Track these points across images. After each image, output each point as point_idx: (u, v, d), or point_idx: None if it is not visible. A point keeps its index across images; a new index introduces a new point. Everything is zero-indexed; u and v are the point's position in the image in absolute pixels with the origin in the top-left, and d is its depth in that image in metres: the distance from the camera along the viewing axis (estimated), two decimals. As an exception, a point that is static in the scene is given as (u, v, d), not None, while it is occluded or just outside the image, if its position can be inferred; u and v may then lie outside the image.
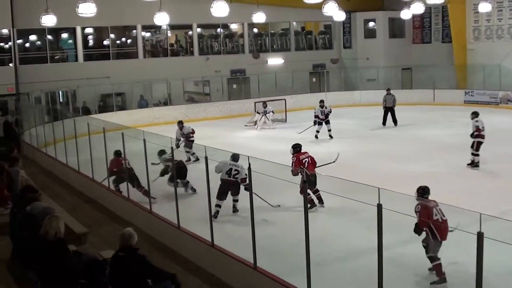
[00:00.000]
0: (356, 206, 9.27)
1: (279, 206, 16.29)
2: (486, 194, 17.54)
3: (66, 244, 9.14)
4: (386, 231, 8.61)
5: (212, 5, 24.61)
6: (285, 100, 36.18)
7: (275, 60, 44.66)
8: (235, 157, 16.39)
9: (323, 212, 15.28)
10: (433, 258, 11.61)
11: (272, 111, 33.98)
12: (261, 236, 11.74)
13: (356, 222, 14.73)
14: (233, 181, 16.24)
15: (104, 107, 37.71)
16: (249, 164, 11.16)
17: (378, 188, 8.18)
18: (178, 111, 37.00)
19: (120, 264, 9.02)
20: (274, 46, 46.21)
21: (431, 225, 11.35)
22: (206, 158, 12.71)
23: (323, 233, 13.72)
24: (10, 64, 36.12)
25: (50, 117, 29.32)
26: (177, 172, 16.69)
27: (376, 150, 25.46)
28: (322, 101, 30.29)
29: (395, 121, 32.56)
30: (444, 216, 11.32)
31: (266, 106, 33.90)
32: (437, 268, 11.57)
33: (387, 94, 33.11)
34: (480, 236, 7.17)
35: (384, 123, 32.45)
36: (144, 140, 15.34)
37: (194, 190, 18.58)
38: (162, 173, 18.16)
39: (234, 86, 42.90)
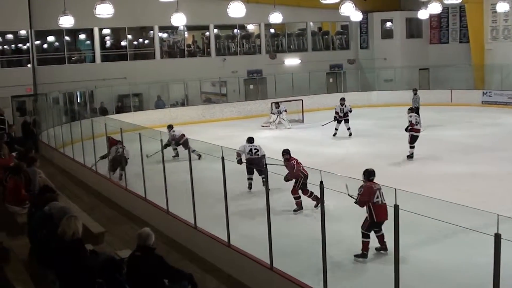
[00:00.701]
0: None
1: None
2: (504, 196, 17.40)
3: (84, 244, 9.17)
4: (403, 232, 8.60)
5: (229, 5, 24.63)
6: (302, 100, 36.13)
7: (292, 61, 44.65)
8: (251, 140, 19.78)
9: (339, 213, 15.26)
10: (363, 235, 12.83)
11: (285, 110, 33.99)
12: (277, 236, 11.75)
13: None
14: (256, 158, 18.78)
15: (122, 108, 37.82)
16: (266, 164, 11.18)
17: (395, 189, 8.18)
18: (195, 111, 37.13)
19: (137, 264, 9.06)
20: (291, 47, 46.20)
21: (370, 205, 12.57)
22: (222, 158, 12.73)
23: (339, 233, 13.72)
24: (28, 65, 36.30)
25: (67, 117, 29.47)
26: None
27: (393, 151, 25.34)
28: (342, 99, 30.37)
29: None
30: (384, 200, 12.44)
31: (279, 106, 33.92)
32: (363, 244, 12.80)
33: (415, 94, 33.29)
34: (497, 238, 7.14)
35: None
36: (161, 141, 15.42)
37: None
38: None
39: (251, 86, 42.88)
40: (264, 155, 18.85)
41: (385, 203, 12.35)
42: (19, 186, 14.72)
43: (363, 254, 12.78)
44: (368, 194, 12.60)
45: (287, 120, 33.89)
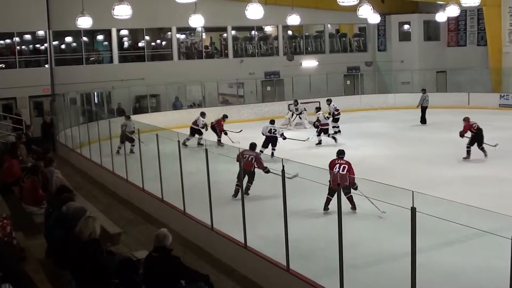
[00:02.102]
0: (390, 209, 9.23)
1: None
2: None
3: (101, 244, 9.19)
4: (420, 235, 8.58)
5: (246, 7, 24.71)
6: (319, 102, 36.05)
7: (309, 63, 44.66)
8: (272, 122, 26.83)
9: (356, 215, 15.23)
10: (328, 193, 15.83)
11: (305, 109, 34.01)
12: (293, 238, 11.74)
13: (389, 225, 14.68)
14: (272, 136, 25.87)
15: (139, 109, 37.91)
16: (283, 166, 11.16)
17: (412, 192, 8.16)
18: (212, 112, 37.12)
19: (153, 265, 9.07)
20: (309, 48, 46.22)
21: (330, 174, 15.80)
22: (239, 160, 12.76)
23: (356, 236, 13.68)
24: (46, 66, 36.51)
25: (85, 118, 29.56)
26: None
27: (411, 153, 25.32)
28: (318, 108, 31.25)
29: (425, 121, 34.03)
30: (342, 171, 16.21)
31: (298, 104, 33.93)
32: (326, 201, 16.09)
33: (424, 93, 34.24)
34: (514, 241, 7.12)
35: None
36: (178, 142, 15.42)
37: None
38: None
39: (268, 88, 42.91)
40: (282, 133, 26.64)
41: (341, 174, 16.10)
42: (36, 186, 14.80)
43: (326, 208, 16.20)
44: (331, 166, 16.63)
45: (308, 120, 33.80)
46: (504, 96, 39.69)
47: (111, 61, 39.14)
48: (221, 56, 43.65)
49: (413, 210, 8.31)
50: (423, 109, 34.45)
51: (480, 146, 23.61)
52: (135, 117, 29.93)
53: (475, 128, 23.80)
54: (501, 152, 23.58)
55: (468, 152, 23.58)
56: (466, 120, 24.48)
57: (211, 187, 14.34)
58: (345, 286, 10.02)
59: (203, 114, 29.34)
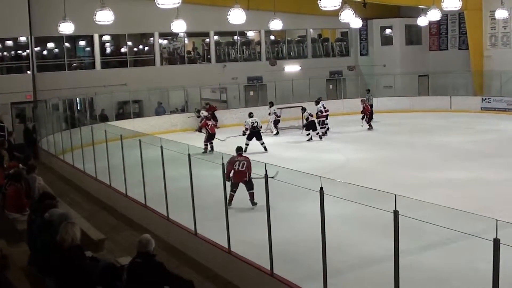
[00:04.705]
0: (372, 213, 9.25)
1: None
2: (503, 201, 17.40)
3: (83, 250, 9.17)
4: (403, 238, 8.61)
5: (229, 12, 24.74)
6: (302, 107, 36.07)
7: (292, 67, 44.72)
8: (251, 115, 28.86)
9: (340, 219, 15.26)
10: (231, 190, 17.23)
11: (275, 113, 34.11)
12: (278, 243, 11.76)
13: (372, 229, 14.71)
14: (256, 130, 27.61)
15: (122, 114, 37.83)
16: (266, 171, 11.17)
17: (395, 195, 8.19)
18: (195, 118, 37.09)
19: (137, 271, 9.04)
20: (291, 53, 46.34)
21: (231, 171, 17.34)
22: (223, 164, 12.80)
23: (340, 240, 13.73)
24: (28, 72, 36.34)
25: (67, 124, 29.46)
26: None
27: (393, 157, 25.41)
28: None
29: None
30: (242, 168, 17.47)
31: (272, 105, 34.15)
32: (230, 197, 17.21)
33: (368, 93, 37.46)
34: (496, 243, 7.15)
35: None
36: (162, 147, 15.40)
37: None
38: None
39: (251, 93, 42.92)
40: (261, 126, 28.59)
41: (241, 170, 17.50)
42: (20, 193, 14.73)
43: (229, 203, 16.65)
44: (232, 163, 17.35)
45: (273, 125, 34.00)
46: (486, 99, 39.88)
47: (93, 67, 38.98)
48: (203, 61, 43.66)
49: (396, 213, 8.34)
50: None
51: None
52: (117, 123, 29.80)
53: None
54: (484, 155, 23.72)
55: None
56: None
57: (194, 193, 14.34)
58: (329, 289, 10.04)
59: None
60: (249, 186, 17.73)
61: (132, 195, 18.48)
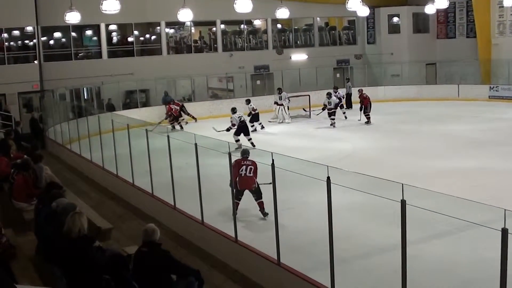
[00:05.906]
0: (380, 202, 9.20)
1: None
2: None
3: (90, 240, 9.16)
4: (410, 228, 8.57)
5: (235, 1, 24.68)
6: (309, 96, 36.02)
7: (299, 56, 44.60)
8: (234, 110, 26.82)
9: (347, 208, 15.21)
10: (235, 198, 14.59)
11: (288, 99, 34.02)
12: (284, 232, 11.74)
13: (379, 218, 14.68)
14: (243, 125, 26.26)
15: (129, 104, 37.80)
16: (273, 160, 11.14)
17: (402, 184, 8.15)
18: (202, 107, 37.07)
19: (143, 260, 9.04)
20: (298, 42, 46.20)
21: (237, 177, 15.12)
22: (229, 154, 12.74)
23: (347, 229, 13.70)
24: (35, 62, 36.34)
25: (74, 114, 29.47)
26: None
27: (401, 146, 25.35)
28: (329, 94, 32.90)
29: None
30: (249, 173, 15.31)
31: (281, 92, 34.05)
32: (235, 204, 14.38)
33: (348, 82, 39.41)
34: (504, 233, 7.11)
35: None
36: (168, 136, 15.37)
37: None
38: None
39: (258, 82, 42.82)
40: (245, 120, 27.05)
41: (248, 176, 15.34)
42: (28, 182, 14.73)
43: (234, 213, 13.85)
44: (237, 168, 15.23)
45: (288, 114, 33.91)
46: (493, 87, 39.77)
47: (100, 56, 38.93)
48: (210, 50, 43.51)
49: (403, 203, 8.30)
50: (349, 96, 38.81)
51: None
52: (124, 112, 29.81)
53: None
54: (492, 143, 23.64)
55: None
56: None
57: (201, 182, 14.31)
58: (336, 279, 10.01)
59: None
60: (258, 194, 15.72)
61: (139, 185, 18.47)
